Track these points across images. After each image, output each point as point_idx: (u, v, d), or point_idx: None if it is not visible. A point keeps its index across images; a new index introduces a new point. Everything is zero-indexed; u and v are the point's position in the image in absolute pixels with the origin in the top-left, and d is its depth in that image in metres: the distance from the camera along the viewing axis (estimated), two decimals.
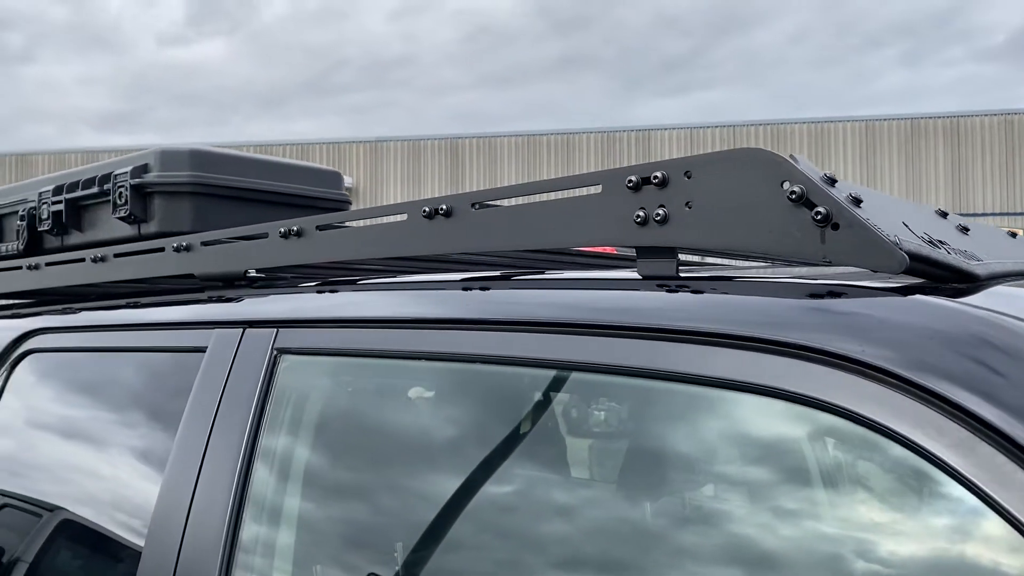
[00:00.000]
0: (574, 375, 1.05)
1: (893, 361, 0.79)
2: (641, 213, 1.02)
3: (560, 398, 1.09)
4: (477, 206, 1.23)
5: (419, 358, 1.20)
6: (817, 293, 0.94)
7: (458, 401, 1.21)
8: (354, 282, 1.48)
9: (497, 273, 1.35)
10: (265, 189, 1.92)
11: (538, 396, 1.13)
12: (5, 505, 1.76)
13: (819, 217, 0.90)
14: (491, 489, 1.10)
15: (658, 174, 1.01)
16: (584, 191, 1.13)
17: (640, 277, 1.07)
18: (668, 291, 1.00)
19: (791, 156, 0.95)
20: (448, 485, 1.19)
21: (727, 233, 0.97)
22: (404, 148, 20.69)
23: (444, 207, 1.25)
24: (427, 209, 1.27)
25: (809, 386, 0.81)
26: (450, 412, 1.24)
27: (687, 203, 0.99)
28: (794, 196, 0.91)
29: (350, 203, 2.13)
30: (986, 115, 18.51)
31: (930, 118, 18.80)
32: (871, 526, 0.84)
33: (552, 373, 1.09)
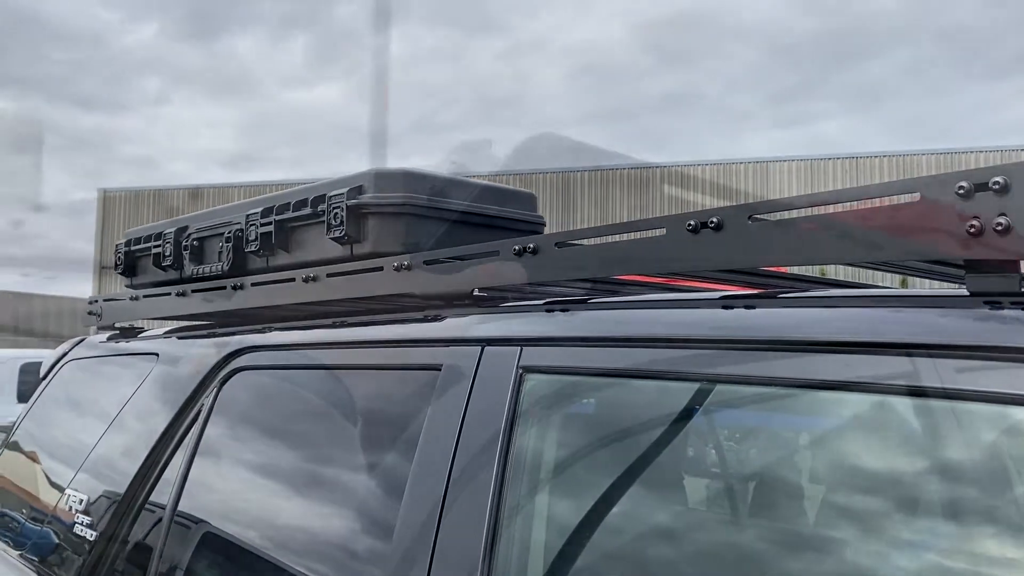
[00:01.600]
0: (887, 399, 0.96)
1: None
2: (976, 223, 0.93)
3: (863, 424, 1.00)
4: (753, 219, 1.17)
5: (693, 380, 1.13)
6: None
7: (736, 428, 1.13)
8: (587, 300, 1.43)
9: (756, 292, 1.28)
10: (469, 210, 1.91)
11: (835, 422, 1.05)
12: (220, 528, 1.76)
13: None
14: (790, 519, 1.01)
15: (998, 179, 0.92)
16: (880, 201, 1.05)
17: (968, 294, 0.97)
18: (1011, 308, 0.91)
19: None
20: (719, 515, 1.12)
21: None
22: (515, 182, 20.87)
23: (715, 220, 1.19)
24: (693, 223, 1.21)
25: None
26: (721, 439, 1.16)
27: None
28: None
29: (545, 225, 2.10)
30: None
31: None
32: None
33: (852, 396, 1.00)
